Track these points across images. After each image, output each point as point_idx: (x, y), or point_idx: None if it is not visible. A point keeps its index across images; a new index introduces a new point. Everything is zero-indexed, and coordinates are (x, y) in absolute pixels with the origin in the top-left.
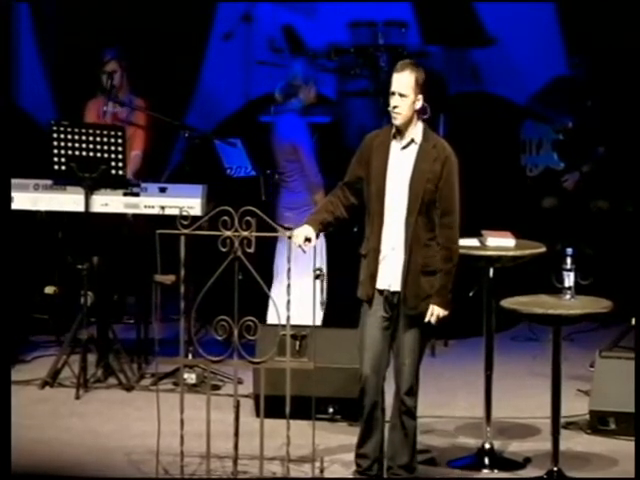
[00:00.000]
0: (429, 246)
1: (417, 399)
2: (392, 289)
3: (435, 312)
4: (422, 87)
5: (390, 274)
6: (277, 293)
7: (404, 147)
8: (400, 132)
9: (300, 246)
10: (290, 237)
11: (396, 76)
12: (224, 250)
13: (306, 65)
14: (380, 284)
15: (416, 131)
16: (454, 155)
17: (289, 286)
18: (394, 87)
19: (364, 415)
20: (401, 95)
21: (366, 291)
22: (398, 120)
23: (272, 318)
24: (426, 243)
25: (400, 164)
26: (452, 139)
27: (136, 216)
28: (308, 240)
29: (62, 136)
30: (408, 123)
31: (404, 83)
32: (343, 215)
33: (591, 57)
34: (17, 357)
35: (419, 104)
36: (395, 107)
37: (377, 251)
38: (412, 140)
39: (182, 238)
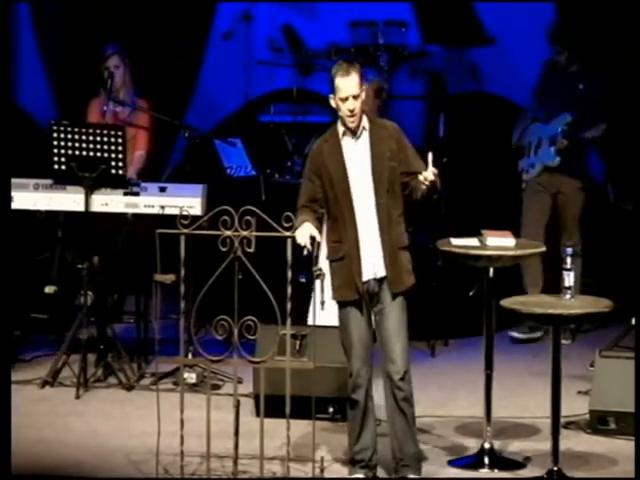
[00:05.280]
0: (400, 222)
1: (412, 385)
2: (378, 276)
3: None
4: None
5: (372, 264)
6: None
7: (357, 137)
8: (349, 128)
9: (305, 246)
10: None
11: (343, 81)
12: (224, 250)
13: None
14: (365, 277)
15: (363, 119)
16: (398, 126)
17: (289, 284)
18: (345, 92)
19: (360, 407)
20: (355, 97)
21: (351, 292)
22: (356, 122)
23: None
24: (397, 220)
25: (356, 154)
26: (452, 138)
27: (136, 216)
28: (312, 239)
29: (62, 136)
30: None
31: (354, 84)
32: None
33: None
34: (17, 357)
35: (364, 94)
36: (352, 110)
37: (357, 249)
38: (363, 128)
39: (182, 238)
